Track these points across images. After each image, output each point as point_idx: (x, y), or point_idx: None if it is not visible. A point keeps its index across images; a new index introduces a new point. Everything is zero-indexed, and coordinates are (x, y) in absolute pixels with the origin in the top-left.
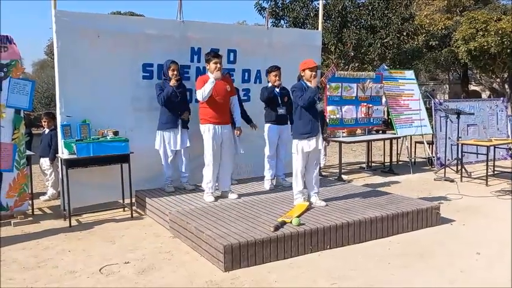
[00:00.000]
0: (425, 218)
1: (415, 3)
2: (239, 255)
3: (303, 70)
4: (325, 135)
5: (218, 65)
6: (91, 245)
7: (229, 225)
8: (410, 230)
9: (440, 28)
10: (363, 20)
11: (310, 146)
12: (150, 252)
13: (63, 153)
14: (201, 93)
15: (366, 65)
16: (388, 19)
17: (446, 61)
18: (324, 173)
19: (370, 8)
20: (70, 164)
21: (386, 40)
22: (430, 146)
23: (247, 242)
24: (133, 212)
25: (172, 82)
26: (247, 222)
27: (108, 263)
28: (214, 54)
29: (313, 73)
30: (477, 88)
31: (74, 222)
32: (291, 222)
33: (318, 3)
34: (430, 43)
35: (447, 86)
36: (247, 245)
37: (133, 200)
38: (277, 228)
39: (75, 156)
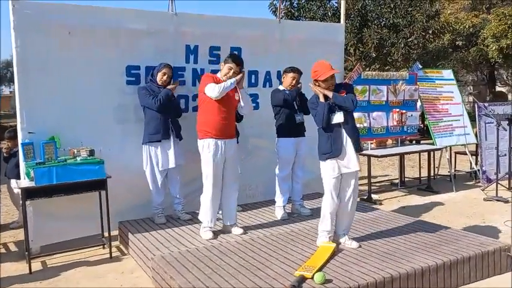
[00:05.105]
0: (491, 263)
1: (438, 0)
2: None
3: (316, 81)
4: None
5: (230, 73)
6: None
7: (226, 283)
8: (473, 280)
9: (467, 26)
10: (384, 19)
11: (335, 169)
12: None
13: (25, 179)
14: (219, 88)
15: (389, 67)
16: (411, 17)
17: (474, 61)
18: None
19: (392, 5)
20: (29, 194)
21: (410, 39)
22: (474, 157)
23: None
24: (116, 250)
25: (171, 86)
26: (251, 277)
27: None
28: (234, 59)
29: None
30: (503, 89)
31: (38, 266)
32: (312, 278)
33: (336, 2)
34: (457, 42)
35: (471, 87)
36: None
37: (117, 232)
38: None
39: (34, 185)
